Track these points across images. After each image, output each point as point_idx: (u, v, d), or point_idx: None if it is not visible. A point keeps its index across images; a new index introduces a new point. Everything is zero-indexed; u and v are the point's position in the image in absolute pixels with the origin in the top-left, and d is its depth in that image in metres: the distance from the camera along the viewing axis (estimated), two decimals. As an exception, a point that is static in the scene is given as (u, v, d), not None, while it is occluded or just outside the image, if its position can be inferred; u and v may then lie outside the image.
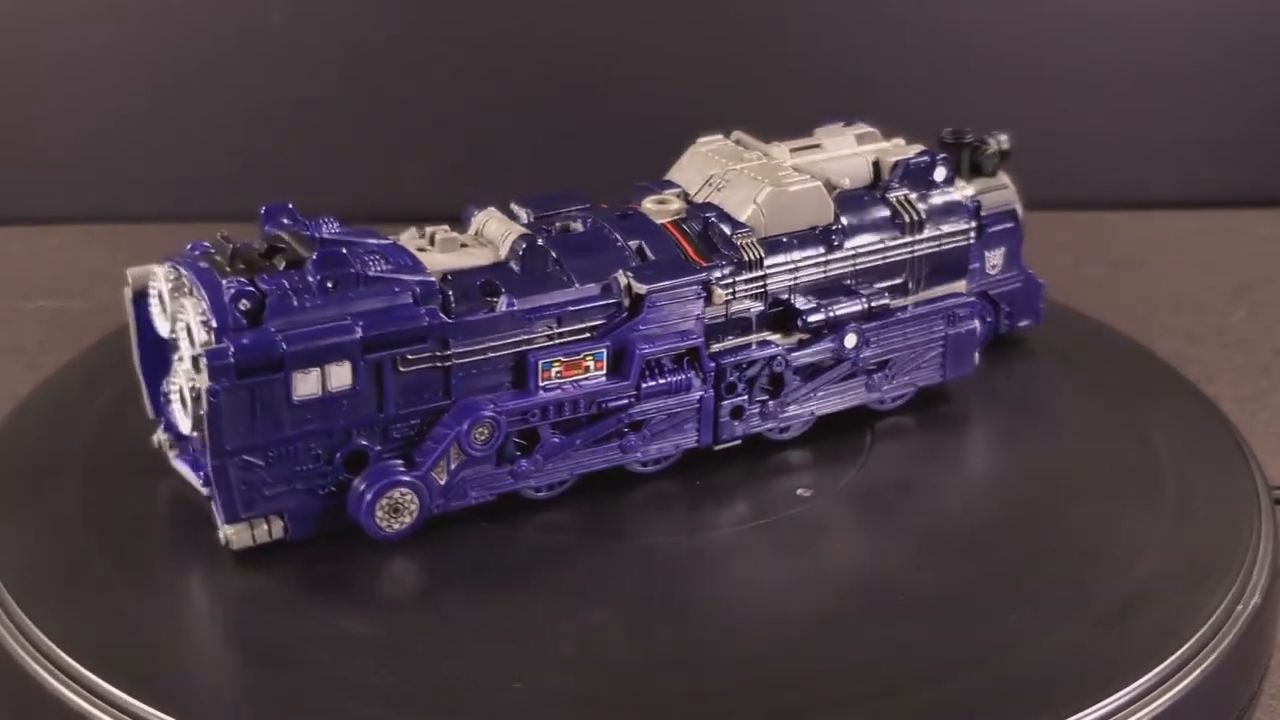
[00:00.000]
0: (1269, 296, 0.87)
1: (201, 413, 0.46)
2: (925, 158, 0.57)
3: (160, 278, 0.49)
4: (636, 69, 0.98)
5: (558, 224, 0.53)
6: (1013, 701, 0.43)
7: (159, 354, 0.51)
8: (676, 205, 0.54)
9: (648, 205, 0.54)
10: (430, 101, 0.98)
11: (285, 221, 0.50)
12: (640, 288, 0.51)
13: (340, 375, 0.47)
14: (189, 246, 0.49)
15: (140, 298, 0.51)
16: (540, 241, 0.51)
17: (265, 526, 0.48)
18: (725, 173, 0.55)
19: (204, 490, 0.49)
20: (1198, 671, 0.45)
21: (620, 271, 0.51)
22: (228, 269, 0.47)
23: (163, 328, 0.50)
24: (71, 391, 0.60)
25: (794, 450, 0.56)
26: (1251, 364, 0.79)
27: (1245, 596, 0.48)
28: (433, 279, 0.49)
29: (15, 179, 0.97)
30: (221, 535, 0.48)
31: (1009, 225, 0.61)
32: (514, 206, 0.54)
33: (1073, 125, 0.99)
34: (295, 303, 0.46)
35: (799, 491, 0.54)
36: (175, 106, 0.97)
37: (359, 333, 0.47)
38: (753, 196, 0.54)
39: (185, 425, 0.50)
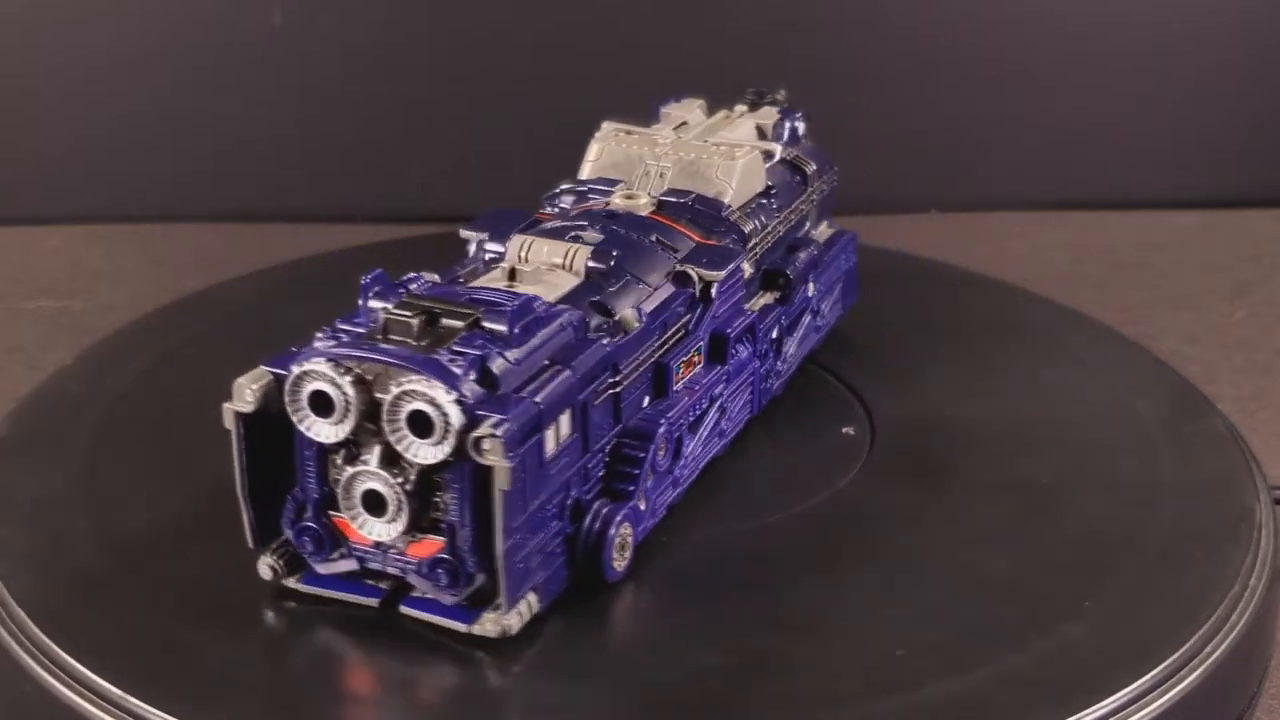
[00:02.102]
0: (1269, 296, 0.87)
1: (500, 492, 0.42)
2: (793, 118, 0.62)
3: (326, 376, 0.42)
4: (637, 69, 0.98)
5: (570, 234, 0.51)
6: (1013, 701, 0.43)
7: (267, 473, 0.45)
8: (645, 198, 0.54)
9: (618, 201, 0.54)
10: (431, 102, 0.98)
11: (377, 288, 0.45)
12: (712, 275, 0.51)
13: (564, 424, 0.44)
14: (321, 335, 0.44)
15: (266, 408, 0.44)
16: (617, 254, 0.50)
17: (526, 603, 0.44)
18: (659, 159, 0.56)
19: (373, 601, 0.45)
20: (1198, 671, 0.45)
21: (681, 265, 0.51)
22: (415, 344, 0.43)
23: (330, 432, 0.43)
24: (71, 392, 0.60)
25: (781, 404, 0.58)
26: (1251, 364, 0.79)
27: (1245, 596, 0.48)
28: (577, 310, 0.47)
29: (15, 179, 0.97)
30: (497, 628, 0.43)
31: None
32: (465, 233, 0.52)
33: (1073, 125, 0.99)
34: (508, 360, 0.43)
35: (845, 430, 0.57)
36: (175, 106, 0.97)
37: (572, 375, 0.44)
38: (714, 173, 0.55)
39: (386, 531, 0.43)
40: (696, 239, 0.53)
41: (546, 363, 0.44)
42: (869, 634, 0.46)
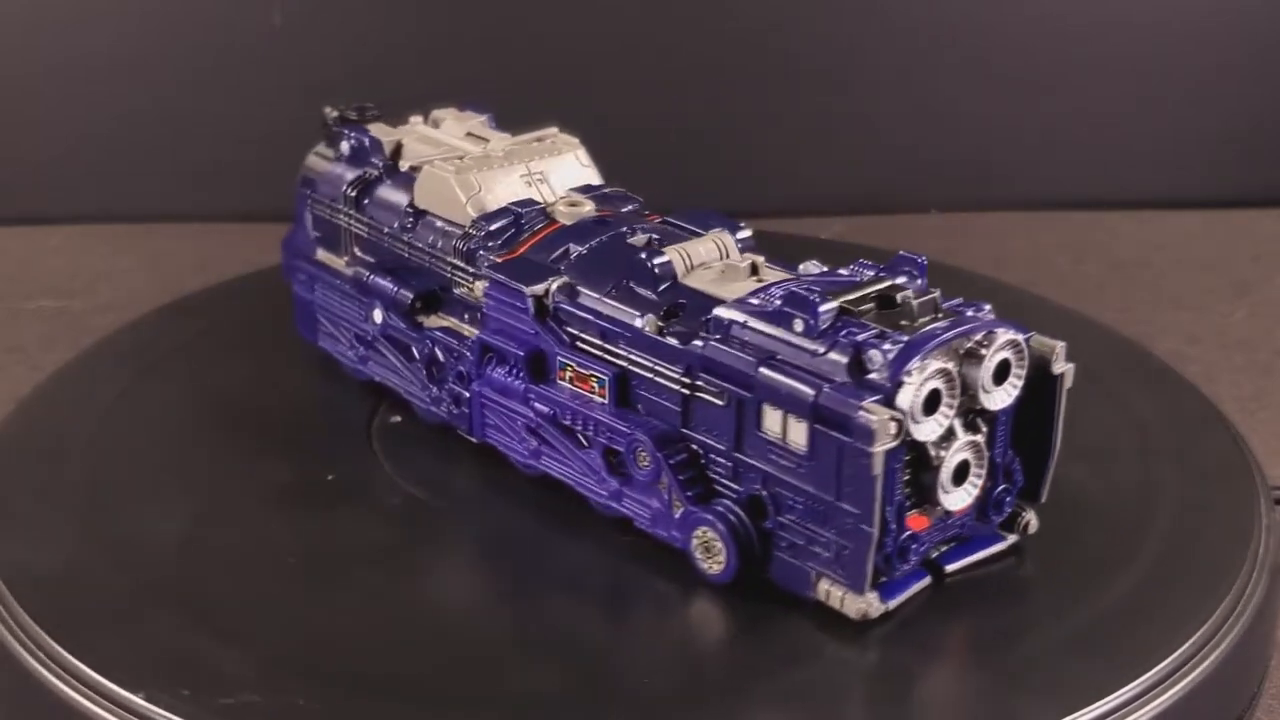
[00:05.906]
0: (1269, 296, 0.87)
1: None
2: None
3: (941, 371, 0.43)
4: (637, 70, 0.98)
5: (645, 240, 0.51)
6: (1012, 700, 0.43)
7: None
8: (589, 203, 0.54)
9: (563, 209, 0.53)
10: (431, 102, 0.98)
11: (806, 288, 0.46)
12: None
13: None
14: (829, 339, 0.44)
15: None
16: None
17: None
18: (529, 172, 0.56)
19: (928, 580, 0.46)
20: (1198, 671, 0.45)
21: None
22: (909, 322, 0.44)
23: (936, 427, 0.44)
24: (72, 392, 0.60)
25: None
26: (1251, 364, 0.79)
27: (1245, 596, 0.48)
28: None
29: (15, 179, 0.97)
30: (1037, 520, 0.49)
31: None
32: (532, 290, 0.51)
33: (1073, 125, 0.99)
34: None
35: None
36: (175, 106, 0.97)
37: None
38: (575, 164, 0.57)
39: (968, 496, 0.45)
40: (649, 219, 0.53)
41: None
42: (867, 630, 0.46)
